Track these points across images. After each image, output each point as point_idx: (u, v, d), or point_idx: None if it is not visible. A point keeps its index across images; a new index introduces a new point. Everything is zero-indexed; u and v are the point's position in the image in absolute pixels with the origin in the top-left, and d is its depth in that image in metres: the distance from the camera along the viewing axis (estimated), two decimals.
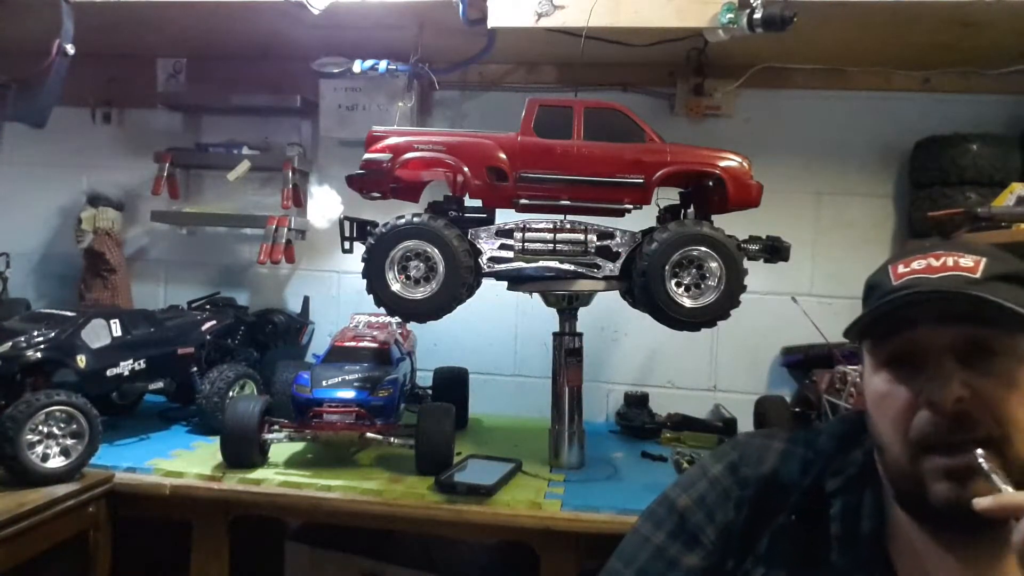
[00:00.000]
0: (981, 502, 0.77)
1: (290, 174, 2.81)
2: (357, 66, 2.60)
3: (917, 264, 0.92)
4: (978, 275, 0.88)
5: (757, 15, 1.96)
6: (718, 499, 1.05)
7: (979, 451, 0.82)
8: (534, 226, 2.03)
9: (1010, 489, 0.77)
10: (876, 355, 0.94)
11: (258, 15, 2.41)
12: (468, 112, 2.92)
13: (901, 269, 0.93)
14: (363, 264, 1.99)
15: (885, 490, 0.97)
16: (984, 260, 0.89)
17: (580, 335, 2.18)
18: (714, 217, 2.06)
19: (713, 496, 1.05)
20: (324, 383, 2.04)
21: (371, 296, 2.00)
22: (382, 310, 2.04)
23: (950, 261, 0.90)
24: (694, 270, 1.97)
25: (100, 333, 2.07)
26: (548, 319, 2.23)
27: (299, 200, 2.89)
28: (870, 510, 0.96)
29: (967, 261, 0.89)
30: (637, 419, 2.59)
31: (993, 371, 0.85)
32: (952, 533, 0.90)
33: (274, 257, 2.76)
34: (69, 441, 1.79)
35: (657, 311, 1.99)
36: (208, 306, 2.78)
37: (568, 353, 2.15)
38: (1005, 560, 0.87)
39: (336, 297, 2.97)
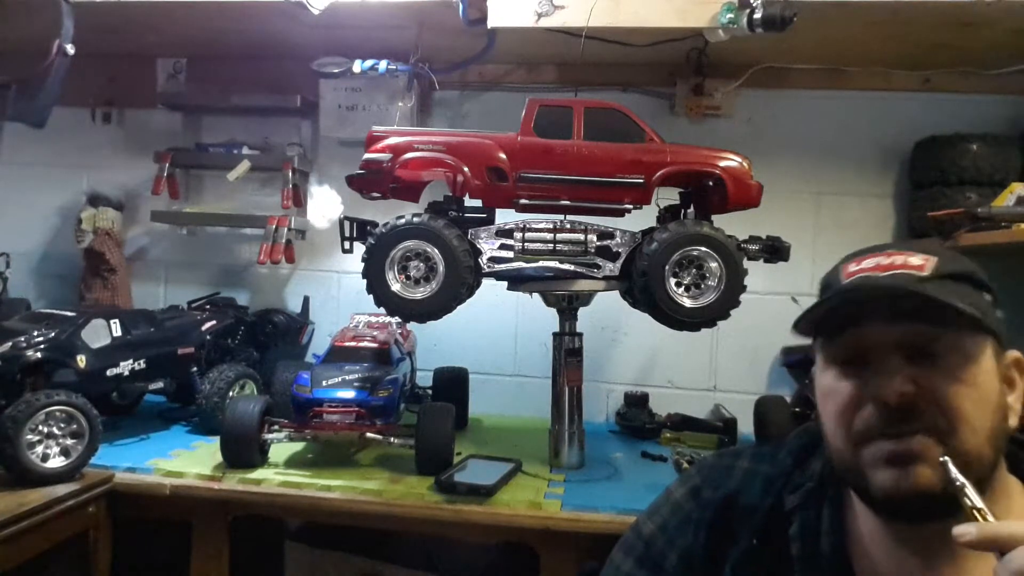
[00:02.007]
0: (964, 536, 0.71)
1: (290, 174, 2.81)
2: (357, 66, 2.60)
3: (868, 263, 0.92)
4: (926, 273, 0.88)
5: (757, 15, 1.96)
6: (680, 524, 1.05)
7: (949, 461, 0.79)
8: (534, 226, 2.03)
9: (986, 510, 0.74)
10: (826, 352, 0.94)
11: (258, 15, 2.41)
12: (468, 112, 2.92)
13: (852, 268, 0.93)
14: (363, 264, 1.99)
15: (844, 500, 0.96)
16: (934, 259, 0.89)
17: (580, 335, 2.18)
18: (714, 217, 2.06)
19: (675, 521, 1.06)
20: (324, 383, 2.04)
21: (371, 296, 2.00)
22: (382, 310, 2.04)
23: (899, 260, 0.90)
24: (694, 270, 1.97)
25: (100, 333, 2.07)
26: (548, 319, 2.23)
27: (299, 200, 2.89)
28: (830, 525, 0.95)
29: (916, 260, 0.89)
30: (637, 419, 2.59)
31: (940, 367, 0.85)
32: (901, 523, 0.89)
33: (274, 257, 2.76)
34: (69, 441, 1.79)
35: (657, 311, 1.99)
36: (208, 306, 2.78)
37: (568, 353, 2.15)
38: (964, 559, 0.86)
39: (336, 297, 2.97)
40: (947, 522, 0.76)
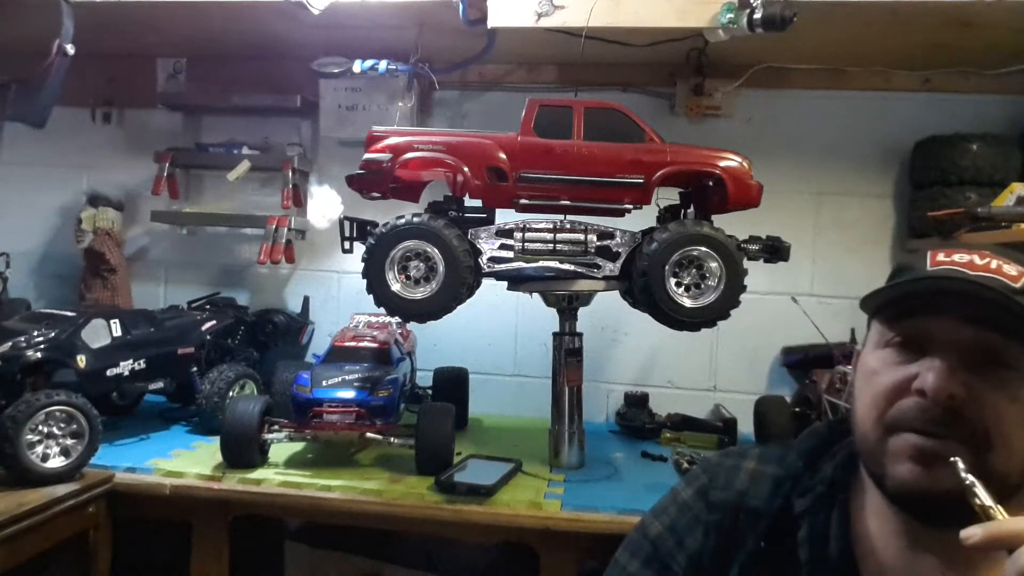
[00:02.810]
0: (971, 538, 0.70)
1: (290, 174, 2.81)
2: (357, 66, 2.60)
3: (959, 257, 0.88)
4: (1019, 285, 0.84)
5: (757, 15, 1.96)
6: (688, 525, 1.04)
7: (959, 461, 0.78)
8: (534, 226, 2.03)
9: (996, 507, 0.73)
10: (884, 334, 0.91)
11: (258, 15, 2.41)
12: (468, 112, 2.92)
13: (941, 257, 0.89)
14: (363, 264, 1.99)
15: (854, 504, 0.96)
16: None
17: (580, 335, 2.18)
18: (714, 217, 2.06)
19: (683, 522, 1.05)
20: (324, 383, 2.04)
21: (371, 296, 2.00)
22: (382, 310, 2.04)
23: (994, 264, 0.87)
24: (694, 270, 1.97)
25: (100, 333, 2.07)
26: (548, 319, 2.23)
27: (299, 200, 2.89)
28: (838, 530, 0.94)
29: (1011, 269, 0.86)
30: (637, 419, 2.59)
31: (997, 382, 0.82)
32: (911, 518, 0.88)
33: (274, 257, 2.76)
34: (69, 441, 1.79)
35: (657, 311, 1.99)
36: (208, 306, 2.78)
37: (568, 353, 2.15)
38: (978, 565, 0.85)
39: (336, 297, 2.97)
40: (960, 528, 0.74)
